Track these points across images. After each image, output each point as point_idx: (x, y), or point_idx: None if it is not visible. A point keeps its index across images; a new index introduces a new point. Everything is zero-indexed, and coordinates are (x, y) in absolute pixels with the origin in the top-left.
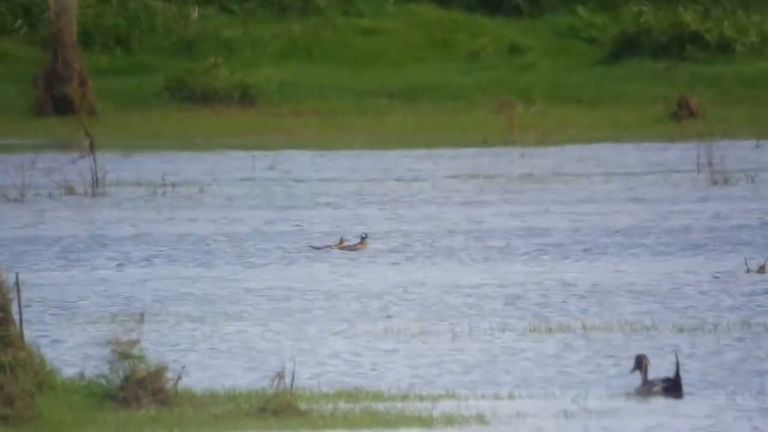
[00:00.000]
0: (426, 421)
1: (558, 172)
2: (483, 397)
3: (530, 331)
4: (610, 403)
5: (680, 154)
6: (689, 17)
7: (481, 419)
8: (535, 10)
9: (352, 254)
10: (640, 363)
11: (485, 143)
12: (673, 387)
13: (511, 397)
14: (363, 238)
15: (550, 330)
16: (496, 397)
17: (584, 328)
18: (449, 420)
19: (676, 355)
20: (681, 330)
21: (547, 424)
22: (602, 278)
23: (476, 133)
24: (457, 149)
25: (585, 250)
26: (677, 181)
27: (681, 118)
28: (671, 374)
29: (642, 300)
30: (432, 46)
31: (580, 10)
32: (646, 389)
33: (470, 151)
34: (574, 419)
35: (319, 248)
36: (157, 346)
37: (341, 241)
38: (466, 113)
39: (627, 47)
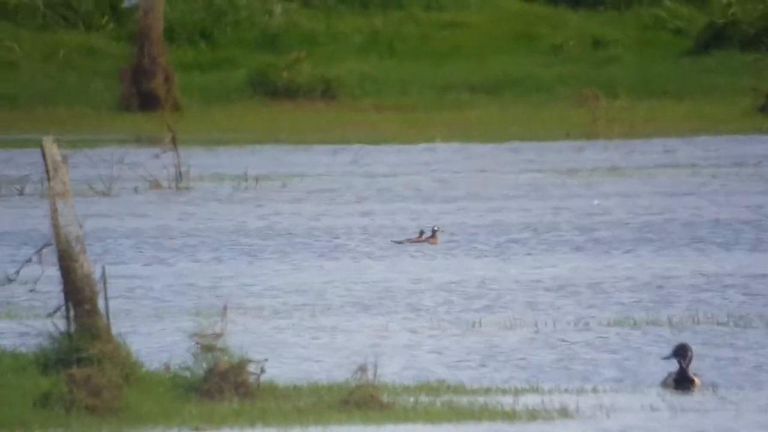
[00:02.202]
0: (509, 414)
1: (642, 165)
2: (566, 391)
3: (614, 324)
4: (695, 398)
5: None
6: None
7: (564, 413)
8: (620, 2)
9: (426, 248)
10: (681, 352)
11: (568, 137)
12: (681, 379)
13: (594, 391)
14: (434, 232)
15: (634, 324)
16: (580, 391)
17: (670, 323)
18: (533, 414)
19: (674, 352)
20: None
21: (631, 419)
22: (686, 272)
23: (559, 126)
24: (539, 143)
25: (669, 244)
26: (765, 174)
27: None
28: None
29: (722, 294)
30: (514, 40)
31: (667, 1)
32: (664, 382)
33: (553, 144)
34: (659, 414)
35: (400, 242)
36: (240, 339)
37: (421, 234)
38: (549, 107)
39: (715, 39)
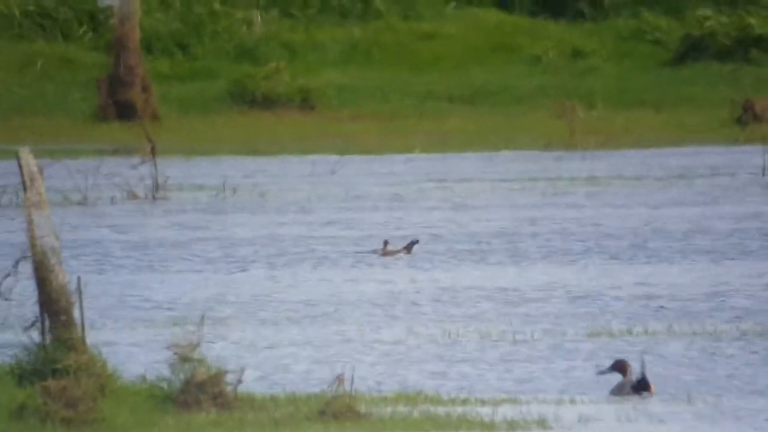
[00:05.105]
0: (487, 425)
1: (620, 176)
2: (545, 401)
3: (590, 335)
4: (671, 408)
5: (745, 157)
6: (754, 20)
7: (542, 424)
8: (599, 14)
9: (402, 257)
10: (618, 368)
11: (547, 147)
12: (640, 386)
13: (573, 401)
14: (413, 244)
15: (611, 334)
16: (558, 401)
17: (646, 332)
18: (511, 425)
19: (642, 358)
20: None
21: (608, 429)
22: (659, 283)
23: (538, 136)
24: (517, 153)
25: (643, 254)
26: (742, 185)
27: (746, 122)
28: (640, 375)
29: (699, 304)
30: (493, 50)
31: (645, 13)
32: (618, 390)
33: (531, 154)
34: (636, 424)
35: (364, 253)
36: (217, 349)
37: (385, 244)
38: (528, 117)
39: (692, 50)
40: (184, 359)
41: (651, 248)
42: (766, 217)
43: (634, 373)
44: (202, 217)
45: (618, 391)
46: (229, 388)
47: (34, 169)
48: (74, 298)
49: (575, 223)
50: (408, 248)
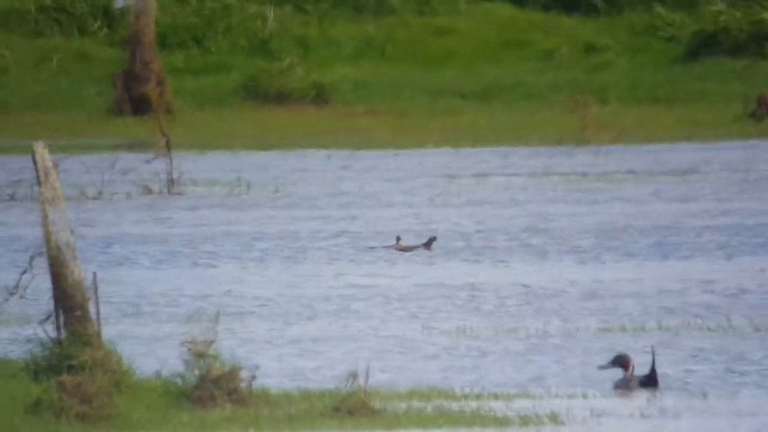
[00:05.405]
0: (500, 420)
1: (632, 171)
2: (557, 396)
3: (603, 330)
4: (686, 403)
5: (759, 152)
6: (767, 15)
7: (555, 419)
8: (612, 9)
9: (420, 254)
10: (620, 362)
11: (559, 142)
12: (649, 381)
13: (585, 396)
14: (432, 240)
15: (623, 329)
16: (571, 396)
17: (659, 327)
18: (524, 420)
19: (653, 351)
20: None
21: (621, 424)
22: (671, 278)
23: (550, 132)
24: (530, 148)
25: (658, 250)
26: (756, 180)
27: (760, 117)
28: (648, 370)
29: (711, 300)
30: (506, 46)
31: (659, 8)
32: (624, 384)
33: (544, 150)
34: (650, 419)
35: (373, 248)
36: (232, 345)
37: (397, 240)
38: (541, 113)
39: (705, 45)
40: (199, 355)
41: (664, 244)
42: None
43: (643, 368)
44: (217, 213)
45: (623, 385)
46: (243, 384)
47: (49, 164)
48: (89, 293)
49: (587, 219)
50: (427, 245)
